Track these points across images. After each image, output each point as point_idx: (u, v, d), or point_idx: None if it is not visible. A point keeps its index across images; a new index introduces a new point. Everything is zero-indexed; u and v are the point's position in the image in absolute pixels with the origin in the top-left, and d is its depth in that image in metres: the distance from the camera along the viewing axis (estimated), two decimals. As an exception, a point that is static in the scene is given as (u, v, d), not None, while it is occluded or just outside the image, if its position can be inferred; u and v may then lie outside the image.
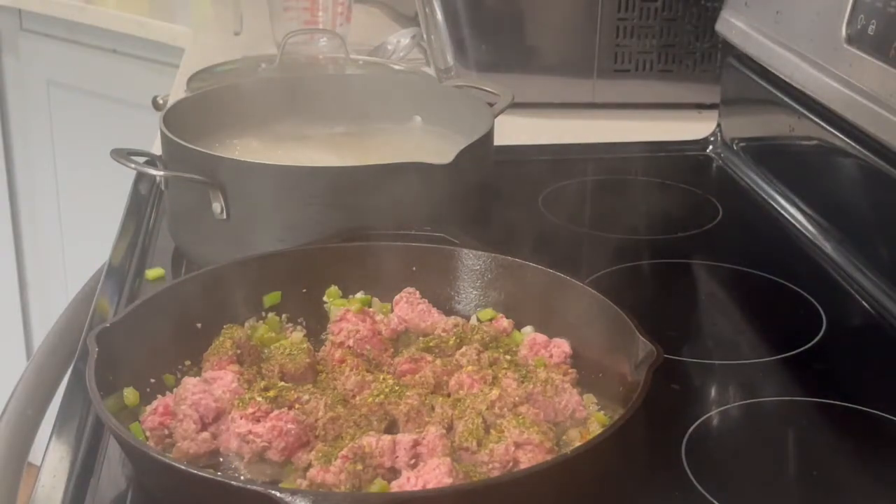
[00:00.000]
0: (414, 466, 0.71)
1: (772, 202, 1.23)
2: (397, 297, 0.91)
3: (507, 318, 0.89)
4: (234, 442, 0.74)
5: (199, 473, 0.67)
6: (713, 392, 0.91)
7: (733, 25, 1.30)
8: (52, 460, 0.79)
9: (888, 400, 0.86)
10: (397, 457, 0.72)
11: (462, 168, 0.98)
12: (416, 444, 0.72)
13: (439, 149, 1.05)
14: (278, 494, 0.63)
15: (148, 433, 0.76)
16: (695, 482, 0.76)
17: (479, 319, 0.90)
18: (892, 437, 0.84)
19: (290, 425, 0.74)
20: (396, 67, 1.63)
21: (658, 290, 1.08)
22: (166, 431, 0.76)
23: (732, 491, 0.76)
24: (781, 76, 1.18)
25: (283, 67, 1.49)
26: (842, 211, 1.12)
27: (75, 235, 2.43)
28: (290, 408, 0.76)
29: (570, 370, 0.82)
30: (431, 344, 0.85)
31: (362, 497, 0.70)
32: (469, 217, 0.99)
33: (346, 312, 0.88)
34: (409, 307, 0.90)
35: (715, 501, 0.75)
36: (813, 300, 1.01)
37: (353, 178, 0.96)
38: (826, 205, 1.14)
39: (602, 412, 0.79)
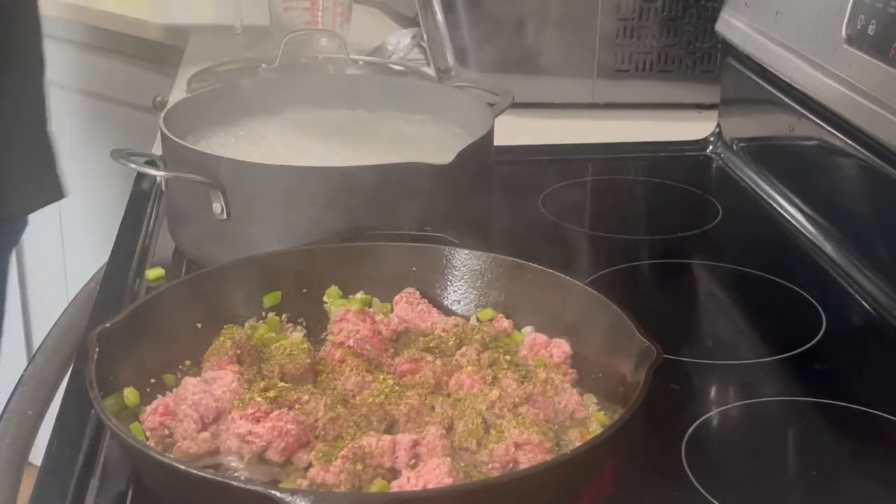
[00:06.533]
0: (414, 466, 0.71)
1: (772, 202, 1.23)
2: (397, 297, 0.91)
3: (507, 318, 0.89)
4: (234, 442, 0.74)
5: (199, 473, 0.67)
6: (713, 392, 0.91)
7: (733, 25, 1.30)
8: (52, 460, 0.79)
9: (888, 400, 0.86)
10: (397, 457, 0.72)
11: (462, 168, 0.98)
12: (416, 444, 0.72)
13: (439, 149, 1.05)
14: (278, 494, 0.63)
15: (148, 433, 0.76)
16: (695, 482, 0.76)
17: (479, 319, 0.90)
18: (892, 437, 0.84)
19: (290, 425, 0.74)
20: (396, 67, 1.63)
21: (658, 290, 1.08)
22: (166, 431, 0.76)
23: (732, 491, 0.76)
24: (781, 76, 1.18)
25: (283, 67, 1.49)
26: (842, 211, 1.12)
27: (75, 235, 2.42)
28: (290, 408, 0.75)
29: (570, 370, 0.82)
30: (431, 344, 0.85)
31: (362, 497, 0.70)
32: (469, 217, 0.99)
33: (346, 312, 0.88)
34: (409, 307, 0.89)
35: (715, 501, 0.75)
36: (813, 300, 1.01)
37: (353, 178, 0.96)
38: (826, 205, 1.14)
39: (602, 412, 0.79)
